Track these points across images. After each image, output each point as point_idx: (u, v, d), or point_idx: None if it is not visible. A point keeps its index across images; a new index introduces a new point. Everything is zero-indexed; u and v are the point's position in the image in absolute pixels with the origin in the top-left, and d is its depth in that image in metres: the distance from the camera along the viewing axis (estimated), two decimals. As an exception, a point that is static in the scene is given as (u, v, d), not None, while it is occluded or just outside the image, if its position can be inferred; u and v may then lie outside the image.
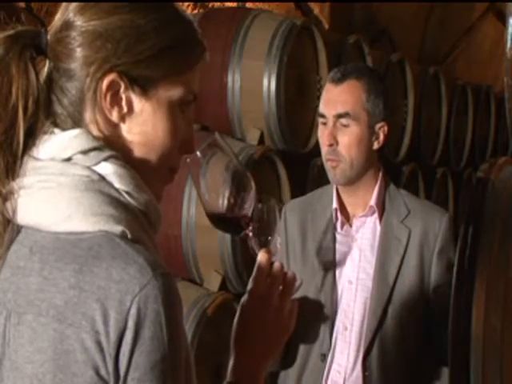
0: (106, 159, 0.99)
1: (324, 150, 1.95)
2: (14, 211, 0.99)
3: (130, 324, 0.90)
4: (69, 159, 0.99)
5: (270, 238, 1.32)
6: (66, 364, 0.92)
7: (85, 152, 0.99)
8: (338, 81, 1.95)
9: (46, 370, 0.93)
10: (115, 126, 1.02)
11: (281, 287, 1.21)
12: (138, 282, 0.91)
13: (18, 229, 1.01)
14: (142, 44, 1.01)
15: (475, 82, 5.61)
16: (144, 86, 1.02)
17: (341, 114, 1.92)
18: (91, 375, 0.91)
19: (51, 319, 0.93)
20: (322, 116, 1.96)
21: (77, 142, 0.99)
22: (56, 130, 1.01)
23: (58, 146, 1.00)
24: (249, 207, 1.20)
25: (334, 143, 1.92)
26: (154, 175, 1.06)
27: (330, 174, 1.96)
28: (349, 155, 1.92)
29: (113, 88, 1.00)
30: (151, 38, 1.01)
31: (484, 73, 6.45)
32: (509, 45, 1.78)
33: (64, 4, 1.04)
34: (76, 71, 1.01)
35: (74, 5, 1.02)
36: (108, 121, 1.02)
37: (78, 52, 1.00)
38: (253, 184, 1.20)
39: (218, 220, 1.22)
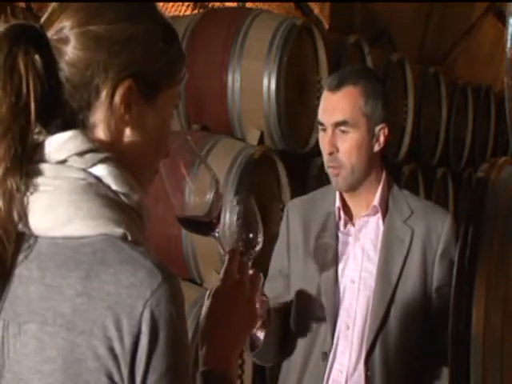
0: (101, 161, 0.98)
1: (325, 157, 1.95)
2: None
3: (144, 328, 0.90)
4: (63, 161, 0.97)
5: (251, 235, 1.45)
6: (78, 372, 0.91)
7: (80, 154, 0.97)
8: (334, 88, 1.93)
9: (56, 379, 0.92)
10: (122, 131, 1.02)
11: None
12: (149, 285, 0.91)
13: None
14: (155, 53, 1.02)
15: (475, 82, 5.61)
16: (151, 94, 1.03)
17: (339, 122, 1.91)
18: (104, 381, 0.90)
19: (59, 328, 0.92)
20: (321, 124, 1.96)
21: (72, 143, 0.98)
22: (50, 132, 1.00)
23: (52, 148, 0.98)
24: (216, 211, 1.25)
25: (334, 151, 1.92)
26: (145, 177, 1.07)
27: (333, 181, 1.96)
28: (349, 161, 1.92)
29: (128, 94, 1.00)
30: (161, 48, 1.03)
31: (484, 73, 6.45)
32: (509, 45, 1.78)
33: (56, 5, 1.01)
34: (88, 74, 0.98)
35: (75, 6, 1.00)
36: (118, 125, 1.01)
37: (92, 55, 0.98)
38: (221, 189, 1.25)
39: (187, 222, 1.27)
